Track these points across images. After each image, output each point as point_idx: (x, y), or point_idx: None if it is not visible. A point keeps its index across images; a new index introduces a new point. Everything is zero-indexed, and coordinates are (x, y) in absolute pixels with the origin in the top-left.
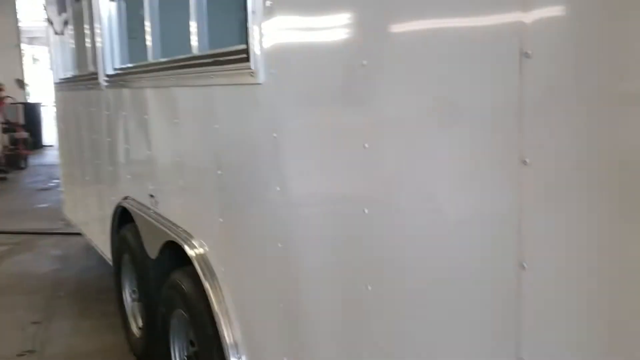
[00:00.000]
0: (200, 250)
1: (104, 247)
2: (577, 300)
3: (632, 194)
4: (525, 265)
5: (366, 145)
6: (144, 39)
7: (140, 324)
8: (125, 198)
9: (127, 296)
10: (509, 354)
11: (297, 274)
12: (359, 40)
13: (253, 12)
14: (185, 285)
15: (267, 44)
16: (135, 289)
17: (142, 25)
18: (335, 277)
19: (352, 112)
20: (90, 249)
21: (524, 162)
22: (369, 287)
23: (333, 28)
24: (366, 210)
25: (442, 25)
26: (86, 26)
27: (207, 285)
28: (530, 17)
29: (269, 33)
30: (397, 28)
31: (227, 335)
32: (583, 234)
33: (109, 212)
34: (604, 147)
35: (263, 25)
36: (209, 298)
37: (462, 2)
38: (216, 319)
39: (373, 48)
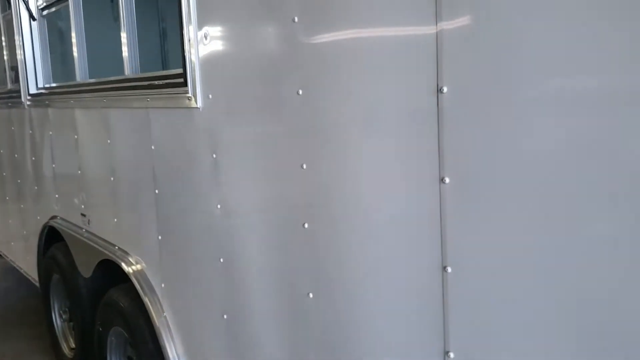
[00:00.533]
0: (138, 267)
1: (28, 267)
2: (496, 299)
3: (540, 204)
4: (448, 269)
5: (304, 165)
6: (71, 59)
7: (72, 344)
8: (54, 217)
9: (57, 317)
10: (438, 348)
11: (240, 287)
12: (295, 69)
13: (189, 38)
14: (123, 302)
15: (204, 69)
16: (66, 309)
17: (69, 45)
18: (277, 288)
19: (290, 136)
20: (9, 270)
21: (443, 180)
22: (310, 295)
23: (268, 57)
24: (306, 225)
25: (374, 60)
26: (4, 44)
27: (146, 300)
28: (443, 55)
29: (205, 59)
30: (330, 58)
31: (169, 349)
32: (499, 240)
33: (35, 231)
34: (509, 165)
35: (200, 51)
36: (149, 313)
37: (387, 40)
38: (157, 334)
39: (308, 77)
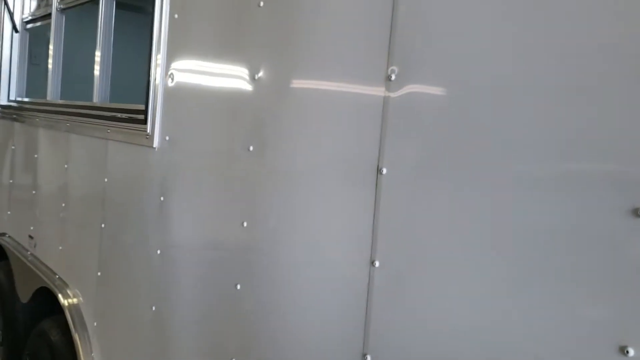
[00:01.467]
0: (74, 301)
1: None
2: None
3: (465, 292)
4: (368, 357)
5: (245, 224)
6: (45, 77)
7: None
8: (3, 234)
9: None
10: None
11: (168, 340)
12: (249, 126)
13: (154, 78)
14: (54, 335)
15: (166, 110)
16: (0, 331)
17: (45, 62)
18: (203, 349)
19: (236, 191)
20: None
21: (373, 264)
22: None
23: (226, 110)
24: (238, 287)
25: (321, 129)
26: None
27: (76, 337)
28: (385, 141)
29: (168, 101)
30: (283, 119)
31: None
32: (423, 330)
33: None
34: (440, 253)
35: (164, 91)
36: (76, 351)
37: (334, 111)
38: None
39: (261, 135)
